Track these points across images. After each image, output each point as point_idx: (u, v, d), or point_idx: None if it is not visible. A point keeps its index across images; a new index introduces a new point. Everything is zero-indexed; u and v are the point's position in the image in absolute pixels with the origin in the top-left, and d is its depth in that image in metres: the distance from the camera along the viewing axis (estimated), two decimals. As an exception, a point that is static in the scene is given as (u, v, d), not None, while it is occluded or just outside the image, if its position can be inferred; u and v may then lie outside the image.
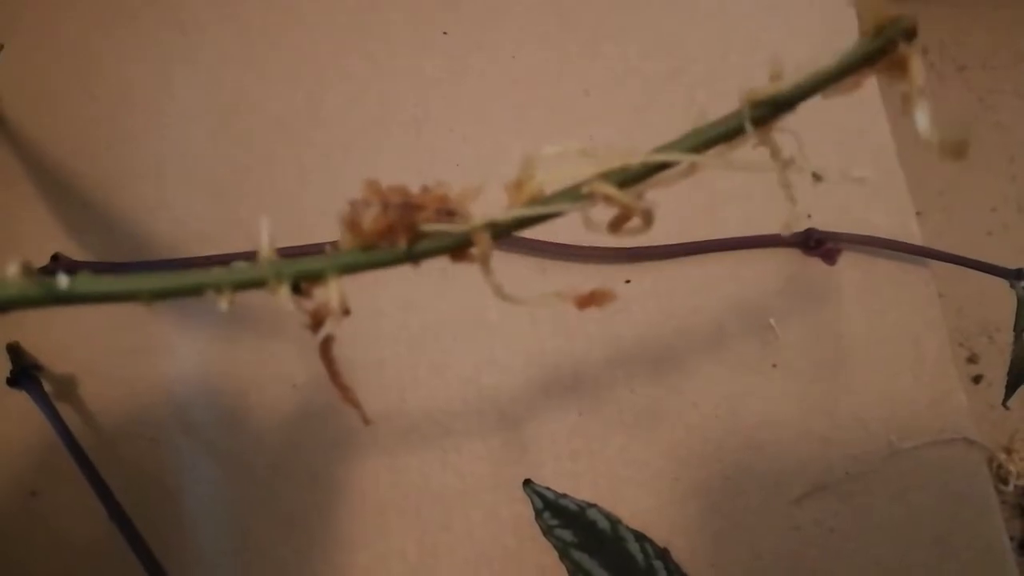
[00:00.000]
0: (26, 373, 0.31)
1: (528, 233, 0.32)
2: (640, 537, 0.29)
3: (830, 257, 0.32)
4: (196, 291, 0.15)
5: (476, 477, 0.30)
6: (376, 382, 0.32)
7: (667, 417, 0.31)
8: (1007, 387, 0.31)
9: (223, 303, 0.15)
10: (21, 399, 0.31)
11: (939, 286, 0.33)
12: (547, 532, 0.29)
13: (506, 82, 0.36)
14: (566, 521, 0.29)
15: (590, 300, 0.16)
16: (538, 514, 0.29)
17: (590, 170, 0.15)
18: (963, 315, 0.53)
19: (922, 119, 0.13)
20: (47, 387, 0.31)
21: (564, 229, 0.32)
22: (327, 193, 0.34)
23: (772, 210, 0.33)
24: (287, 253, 0.32)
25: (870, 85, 0.35)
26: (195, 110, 0.36)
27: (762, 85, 0.14)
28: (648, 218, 0.15)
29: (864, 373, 0.31)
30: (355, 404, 0.17)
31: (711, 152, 0.15)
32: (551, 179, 0.15)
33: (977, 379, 0.53)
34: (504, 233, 0.15)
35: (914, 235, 0.33)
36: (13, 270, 0.14)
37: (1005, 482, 0.53)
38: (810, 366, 0.32)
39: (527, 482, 0.30)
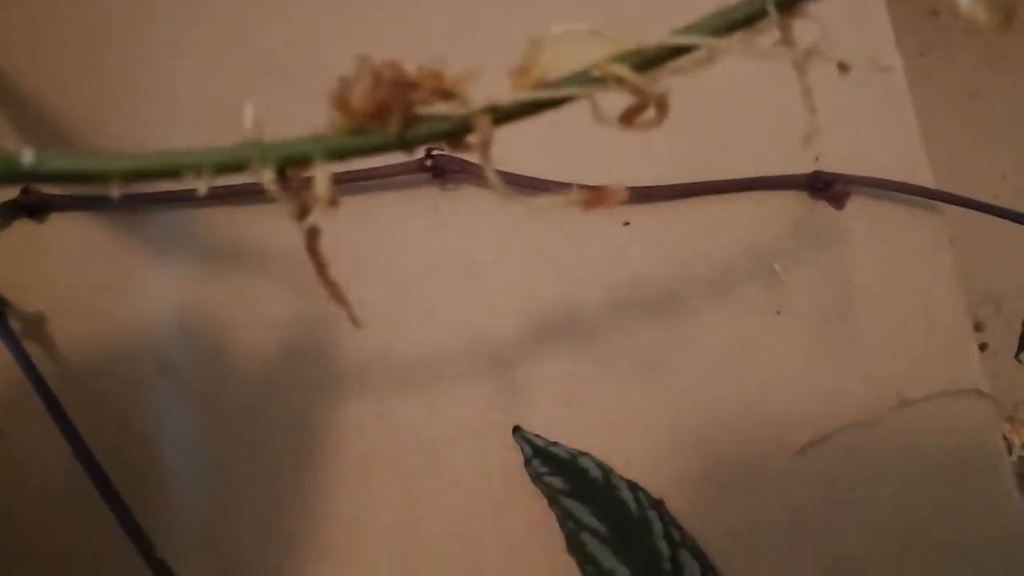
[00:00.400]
0: (-8, 309, 0.30)
1: (523, 170, 0.30)
2: (633, 487, 0.28)
3: (838, 200, 0.31)
4: (173, 173, 0.14)
5: (465, 423, 0.29)
6: (361, 321, 0.30)
7: (665, 364, 0.30)
8: (1021, 338, 0.30)
9: (202, 187, 0.14)
10: None
11: (947, 228, 0.32)
12: (536, 479, 0.28)
13: (504, 23, 0.34)
14: (556, 468, 0.28)
15: (598, 200, 0.15)
16: (527, 461, 0.28)
17: (601, 53, 0.13)
18: (969, 283, 0.52)
19: None
20: (14, 325, 0.30)
21: (560, 168, 0.30)
22: (313, 127, 0.33)
23: (779, 150, 0.31)
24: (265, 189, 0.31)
25: (880, 16, 0.33)
26: (178, 42, 0.34)
27: None
28: (664, 106, 0.14)
29: (872, 322, 0.30)
30: (343, 301, 0.16)
31: (732, 37, 0.14)
32: (559, 63, 0.13)
33: (983, 347, 0.52)
34: (506, 119, 0.14)
35: (926, 179, 0.31)
36: None
37: (1008, 452, 0.52)
38: (816, 314, 0.30)
39: (516, 429, 0.29)
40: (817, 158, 0.31)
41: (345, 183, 0.30)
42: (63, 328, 0.31)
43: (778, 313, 0.30)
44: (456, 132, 0.14)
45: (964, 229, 0.35)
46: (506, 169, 0.30)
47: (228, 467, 0.29)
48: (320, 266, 0.15)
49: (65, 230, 0.32)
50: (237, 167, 0.14)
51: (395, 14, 0.34)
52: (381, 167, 0.30)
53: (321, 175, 0.14)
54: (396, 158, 0.30)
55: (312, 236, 0.15)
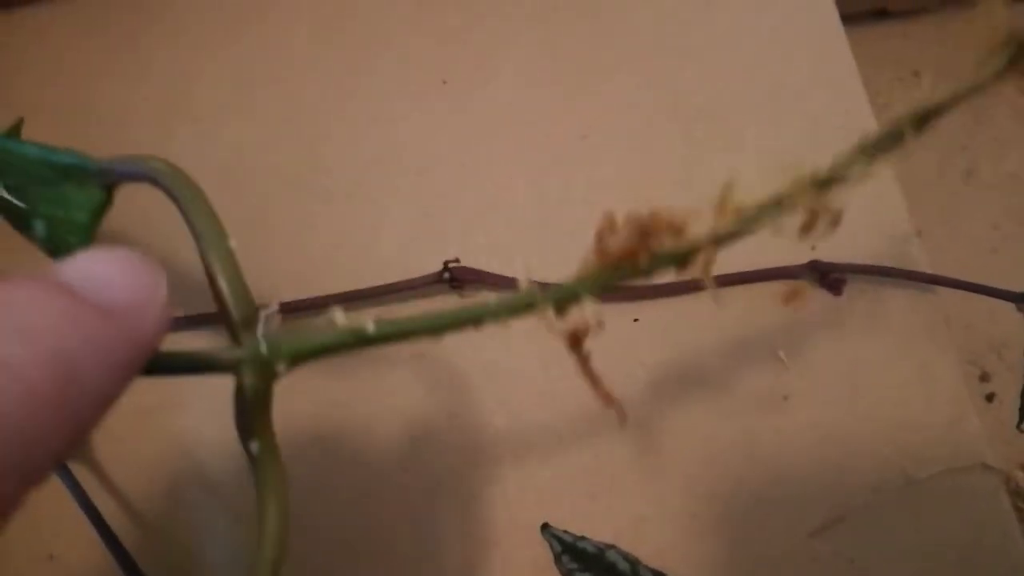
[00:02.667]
0: (42, 437, 0.31)
1: (535, 275, 0.32)
2: (660, 577, 0.29)
3: (836, 288, 0.32)
4: (479, 322, 0.17)
5: (493, 523, 0.30)
6: (389, 430, 0.32)
7: (682, 454, 0.31)
8: (1021, 410, 0.31)
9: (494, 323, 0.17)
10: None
11: (946, 305, 0.33)
12: (567, 576, 0.29)
13: (505, 126, 0.36)
14: (586, 564, 0.29)
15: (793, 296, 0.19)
16: (557, 558, 0.29)
17: (782, 183, 0.17)
18: (972, 333, 0.53)
19: None
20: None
21: (568, 269, 0.32)
22: (331, 243, 0.35)
23: (776, 243, 0.33)
24: (288, 308, 0.33)
25: (865, 114, 0.35)
26: (195, 164, 0.36)
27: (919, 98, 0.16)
28: (837, 220, 0.17)
29: (876, 402, 0.31)
30: (617, 409, 0.19)
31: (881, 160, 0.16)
32: (747, 196, 0.17)
33: (990, 397, 0.53)
34: (724, 241, 0.17)
35: (919, 262, 0.33)
36: (338, 316, 0.16)
37: (1022, 499, 0.53)
38: (822, 397, 0.32)
39: (545, 526, 0.30)
40: (813, 248, 0.33)
41: (369, 297, 0.32)
42: (109, 450, 0.32)
43: (785, 398, 0.32)
44: (686, 259, 0.16)
45: (963, 278, 0.36)
46: (521, 274, 0.32)
47: None
48: (595, 381, 0.18)
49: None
50: (526, 310, 0.17)
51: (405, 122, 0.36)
52: (403, 281, 0.32)
53: (591, 308, 0.17)
54: (414, 272, 0.32)
55: (585, 360, 0.18)
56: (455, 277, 0.32)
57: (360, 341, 0.17)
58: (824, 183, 0.16)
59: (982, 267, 0.57)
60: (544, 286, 0.17)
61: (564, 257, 0.33)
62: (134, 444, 0.32)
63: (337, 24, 0.38)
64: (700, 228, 0.16)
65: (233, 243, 0.18)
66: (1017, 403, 0.33)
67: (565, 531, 0.30)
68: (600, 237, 0.16)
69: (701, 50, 0.37)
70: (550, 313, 0.17)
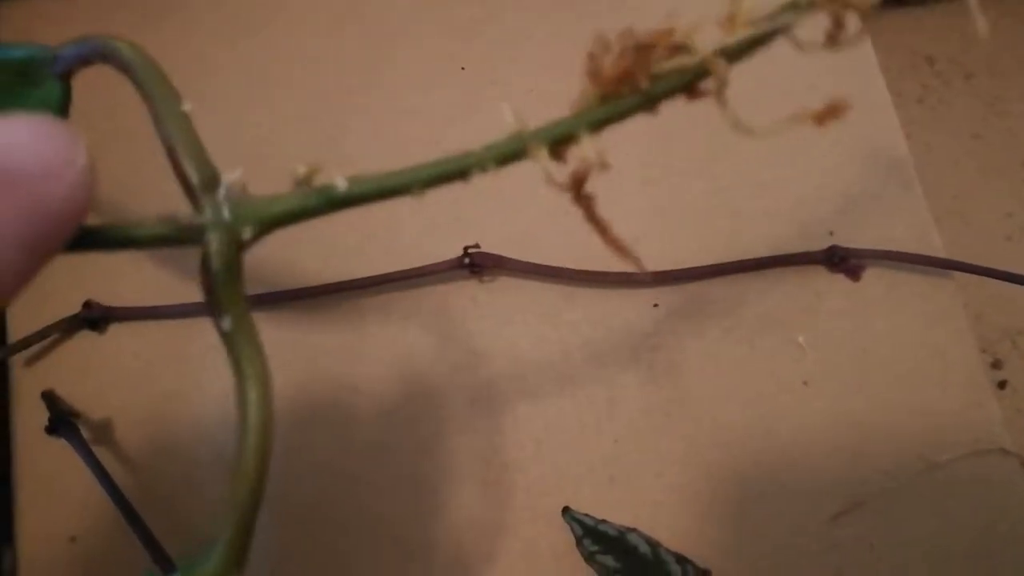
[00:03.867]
0: (64, 420, 0.32)
1: (554, 260, 0.32)
2: (681, 559, 0.29)
3: (854, 273, 0.32)
4: (463, 172, 0.16)
5: (515, 508, 0.31)
6: (411, 415, 0.32)
7: (702, 439, 0.31)
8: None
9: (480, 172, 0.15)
10: (58, 445, 0.32)
11: (960, 293, 0.33)
12: (589, 559, 0.29)
13: (525, 115, 0.36)
14: (607, 547, 0.29)
15: (827, 114, 0.16)
16: (578, 541, 0.30)
17: None
18: (985, 321, 0.53)
19: None
20: (84, 433, 0.32)
21: (591, 257, 0.32)
22: (351, 231, 0.35)
23: (795, 229, 0.33)
24: (314, 292, 0.33)
25: (885, 103, 0.35)
26: (215, 156, 0.36)
27: None
28: (867, 12, 0.15)
29: (894, 387, 0.32)
30: (628, 254, 0.16)
31: None
32: (755, 6, 0.15)
33: (1002, 384, 0.53)
34: (734, 58, 0.15)
35: (936, 247, 0.33)
36: (301, 172, 0.16)
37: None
38: (840, 382, 0.32)
39: (566, 509, 0.30)
40: (832, 233, 0.33)
41: (391, 282, 0.32)
42: (129, 434, 0.33)
43: (805, 384, 0.32)
44: (695, 80, 0.15)
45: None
46: (540, 261, 0.32)
47: (294, 563, 0.31)
48: (601, 227, 0.16)
49: (125, 340, 0.34)
50: (517, 155, 0.16)
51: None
52: (424, 266, 0.32)
53: (588, 145, 0.15)
54: (434, 257, 0.32)
55: (589, 203, 0.16)
56: (475, 263, 0.32)
57: (331, 202, 0.15)
58: None
59: (996, 255, 0.57)
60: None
61: (584, 243, 0.33)
62: (154, 428, 0.33)
63: (355, 14, 0.38)
64: (706, 44, 0.14)
65: (188, 106, 0.17)
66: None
67: (586, 514, 0.30)
68: (592, 58, 0.14)
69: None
70: (545, 156, 0.15)
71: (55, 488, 0.32)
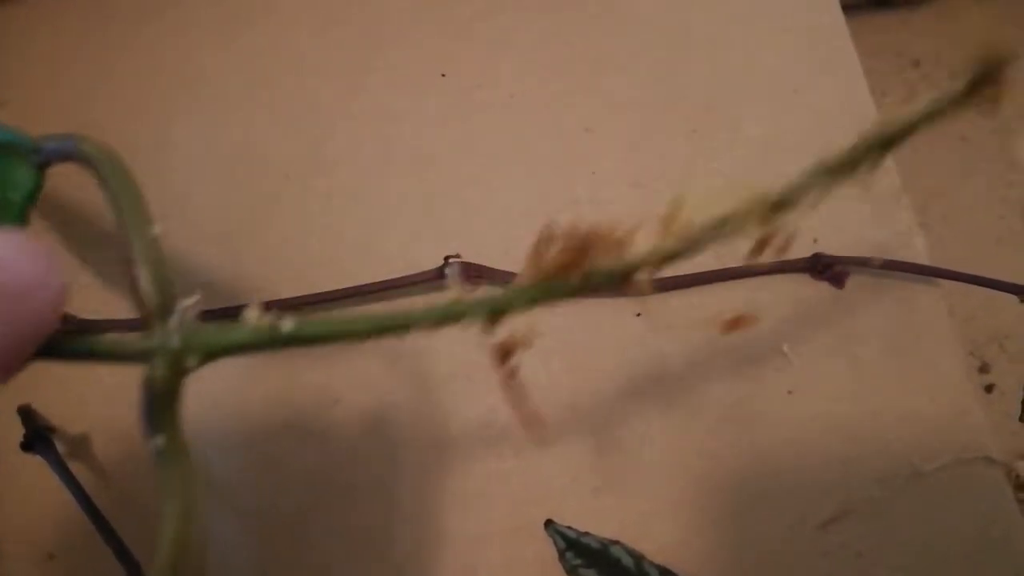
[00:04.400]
0: (40, 436, 0.31)
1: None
2: (665, 572, 0.29)
3: (838, 281, 0.32)
4: (405, 329, 0.16)
5: (496, 520, 0.30)
6: (392, 426, 0.32)
7: (687, 448, 0.31)
8: (1023, 402, 0.31)
9: (420, 330, 0.16)
10: (35, 462, 0.31)
11: (947, 297, 0.33)
12: (571, 572, 0.29)
13: (506, 121, 0.36)
14: (590, 560, 0.29)
15: (735, 324, 0.18)
16: (561, 554, 0.29)
17: (731, 203, 0.16)
18: (972, 324, 0.53)
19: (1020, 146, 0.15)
20: (61, 447, 0.31)
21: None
22: (332, 240, 0.34)
23: (780, 234, 0.33)
24: (293, 304, 0.33)
25: (867, 105, 0.35)
26: (198, 160, 0.36)
27: (886, 119, 0.15)
28: (788, 243, 0.16)
29: (880, 395, 0.31)
30: (536, 429, 0.18)
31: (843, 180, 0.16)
32: (696, 213, 0.16)
33: (989, 388, 0.53)
34: (665, 261, 0.16)
35: (920, 254, 0.33)
36: (252, 314, 0.16)
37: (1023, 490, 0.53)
38: (826, 390, 0.31)
39: (548, 522, 0.30)
40: (816, 240, 0.33)
41: (372, 293, 0.32)
42: (106, 449, 0.32)
43: (790, 393, 0.31)
44: (624, 278, 0.16)
45: (969, 271, 0.36)
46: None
47: (275, 573, 0.30)
48: (520, 400, 0.18)
49: (104, 352, 0.33)
50: (454, 319, 0.16)
51: (417, 116, 0.36)
52: (404, 277, 0.32)
53: (523, 322, 0.16)
54: (414, 268, 0.32)
55: (513, 374, 0.17)
56: (456, 273, 0.32)
57: (275, 341, 0.16)
58: (776, 206, 0.16)
59: (985, 258, 0.57)
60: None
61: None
62: (133, 441, 0.32)
63: (340, 18, 0.38)
64: (644, 245, 0.16)
65: (158, 229, 0.17)
66: (1018, 394, 0.33)
67: (569, 527, 0.30)
68: (536, 249, 0.16)
69: (703, 43, 0.37)
70: (479, 326, 0.16)
71: (31, 504, 0.32)
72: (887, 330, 0.32)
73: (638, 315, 0.32)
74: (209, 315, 0.33)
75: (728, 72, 0.36)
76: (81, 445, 0.32)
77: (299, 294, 0.33)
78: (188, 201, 0.35)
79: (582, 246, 0.15)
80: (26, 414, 0.32)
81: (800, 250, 0.32)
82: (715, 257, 0.32)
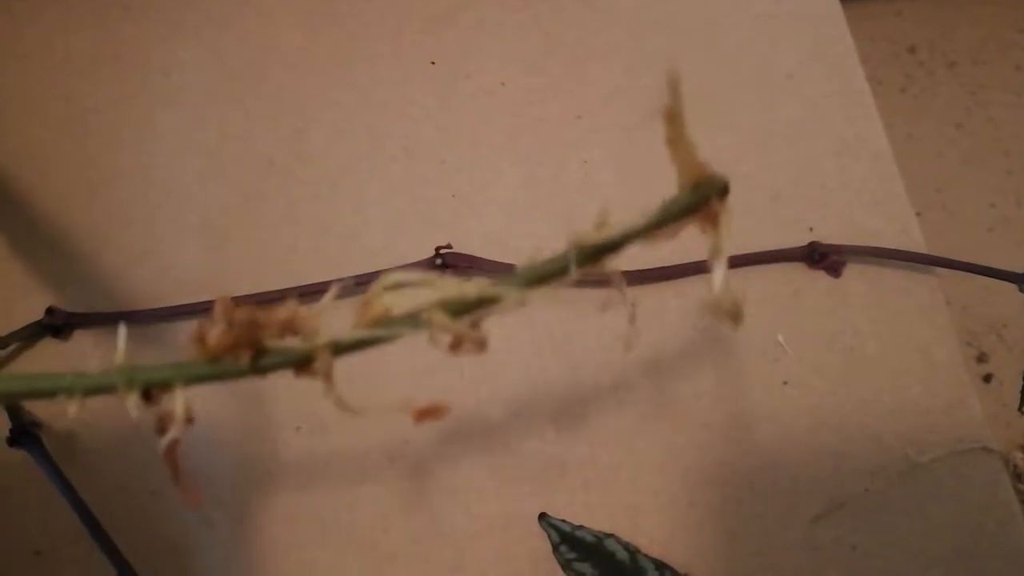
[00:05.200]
0: (25, 431, 0.31)
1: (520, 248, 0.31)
2: (660, 565, 0.29)
3: (835, 270, 0.32)
4: (50, 394, 0.16)
5: (489, 515, 0.30)
6: (381, 421, 0.31)
7: (679, 441, 0.31)
8: (1022, 392, 0.31)
9: (72, 408, 0.16)
10: (21, 456, 0.31)
11: (944, 286, 0.33)
12: (565, 567, 0.28)
13: (496, 110, 0.35)
14: (584, 554, 0.29)
15: (427, 413, 0.17)
16: (555, 548, 0.29)
17: (431, 297, 0.15)
18: (969, 313, 0.53)
19: (718, 276, 0.15)
20: (47, 444, 0.31)
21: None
22: (317, 230, 0.34)
23: (773, 225, 0.32)
24: (274, 297, 0.32)
25: (864, 93, 0.35)
26: (181, 151, 0.36)
27: (588, 231, 0.15)
28: (480, 346, 0.15)
29: (876, 386, 0.31)
30: (195, 505, 0.18)
31: (542, 288, 0.16)
32: (397, 303, 0.15)
33: (987, 378, 0.52)
34: (345, 351, 0.16)
35: (917, 242, 0.32)
36: None
37: (1020, 480, 0.52)
38: (821, 381, 0.31)
39: (542, 515, 0.29)
40: (811, 229, 0.32)
41: (361, 285, 0.32)
42: (94, 445, 0.32)
43: (785, 383, 0.31)
44: (301, 362, 0.16)
45: (962, 259, 0.35)
46: (513, 260, 0.32)
47: (262, 572, 0.30)
48: (176, 475, 0.17)
49: (90, 347, 0.33)
50: (106, 390, 0.16)
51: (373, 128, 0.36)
52: (394, 268, 0.31)
53: (180, 399, 0.15)
54: (405, 259, 0.32)
55: (171, 448, 0.16)
56: (448, 263, 0.31)
57: None
58: (470, 306, 0.15)
59: (980, 246, 0.57)
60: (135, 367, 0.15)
61: (558, 240, 0.33)
62: (118, 438, 0.32)
63: (323, 10, 0.37)
64: (332, 327, 0.15)
65: None
66: (1016, 383, 0.32)
67: (563, 520, 0.29)
68: (201, 327, 0.15)
69: (695, 31, 0.36)
70: (133, 399, 0.15)
71: (17, 500, 0.31)
72: (884, 320, 0.32)
73: (632, 305, 0.32)
74: (192, 308, 0.32)
75: (722, 60, 0.36)
76: (68, 441, 0.32)
77: (285, 286, 0.32)
78: (173, 193, 0.35)
79: (251, 328, 0.15)
80: (11, 409, 0.31)
81: (796, 238, 0.32)
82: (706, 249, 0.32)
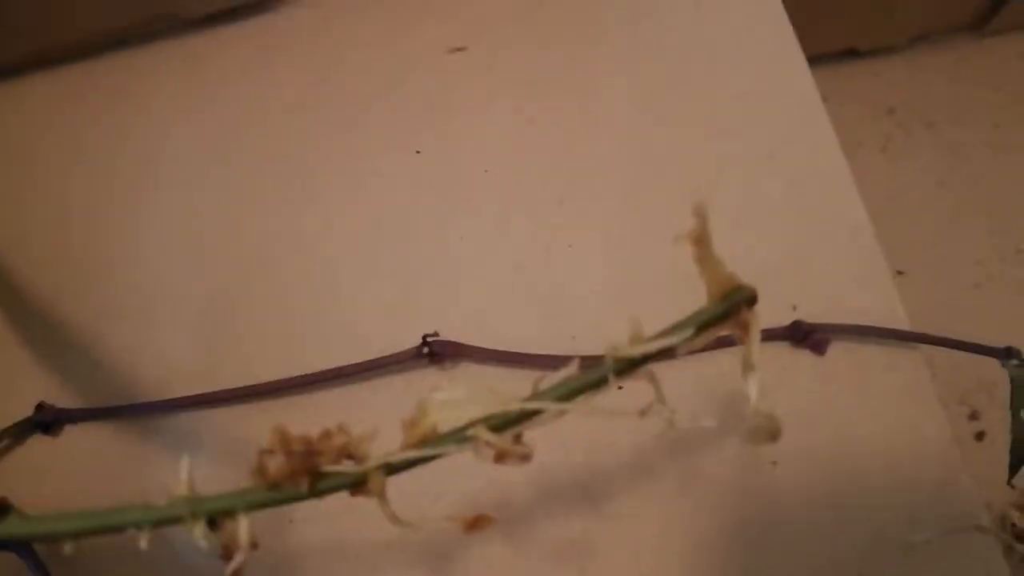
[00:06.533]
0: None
1: (516, 343, 0.32)
2: (655, 656, 0.28)
3: (819, 348, 0.32)
4: (119, 529, 0.16)
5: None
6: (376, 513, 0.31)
7: (673, 524, 0.31)
8: (1010, 467, 0.31)
9: (143, 542, 0.16)
10: (9, 557, 0.30)
11: (932, 350, 0.33)
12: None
13: (481, 196, 0.36)
14: (578, 647, 0.28)
15: (476, 524, 0.18)
16: (549, 641, 0.29)
17: (475, 413, 0.16)
18: (960, 372, 0.53)
19: (752, 388, 0.16)
20: (37, 544, 0.31)
21: (553, 340, 0.32)
22: (312, 316, 0.34)
23: (758, 303, 0.33)
24: (271, 388, 0.32)
25: (841, 168, 0.35)
26: (169, 238, 0.36)
27: (623, 344, 0.16)
28: (525, 459, 0.17)
29: (865, 464, 0.31)
30: None
31: (578, 400, 0.17)
32: (443, 420, 0.16)
33: (980, 436, 0.52)
34: (397, 470, 0.17)
35: (900, 317, 0.33)
36: None
37: (1020, 540, 0.52)
38: (810, 461, 0.31)
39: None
40: (795, 308, 0.33)
41: (350, 375, 0.32)
42: (85, 542, 0.31)
43: (774, 463, 0.31)
44: (357, 484, 0.16)
45: (948, 315, 0.36)
46: (501, 344, 0.32)
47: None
48: None
49: (81, 442, 0.33)
50: (172, 521, 0.16)
51: (375, 205, 0.36)
52: (381, 358, 0.32)
53: (244, 526, 0.16)
54: (394, 344, 0.32)
55: (236, 574, 0.17)
56: (434, 351, 0.32)
57: None
58: (513, 420, 0.16)
59: (966, 304, 0.57)
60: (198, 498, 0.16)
61: (546, 325, 0.33)
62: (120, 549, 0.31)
63: (311, 94, 0.38)
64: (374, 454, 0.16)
65: None
66: (1008, 442, 0.33)
67: (556, 611, 0.29)
68: (260, 458, 0.16)
69: (675, 114, 0.37)
70: (200, 528, 0.16)
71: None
72: (870, 397, 0.32)
73: (620, 388, 0.32)
74: (185, 401, 0.32)
75: (701, 142, 0.36)
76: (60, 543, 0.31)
77: (279, 377, 0.32)
78: (160, 282, 0.35)
79: (308, 456, 0.15)
80: (1, 507, 0.31)
81: (780, 317, 0.32)
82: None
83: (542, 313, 0.33)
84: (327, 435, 0.16)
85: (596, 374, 0.16)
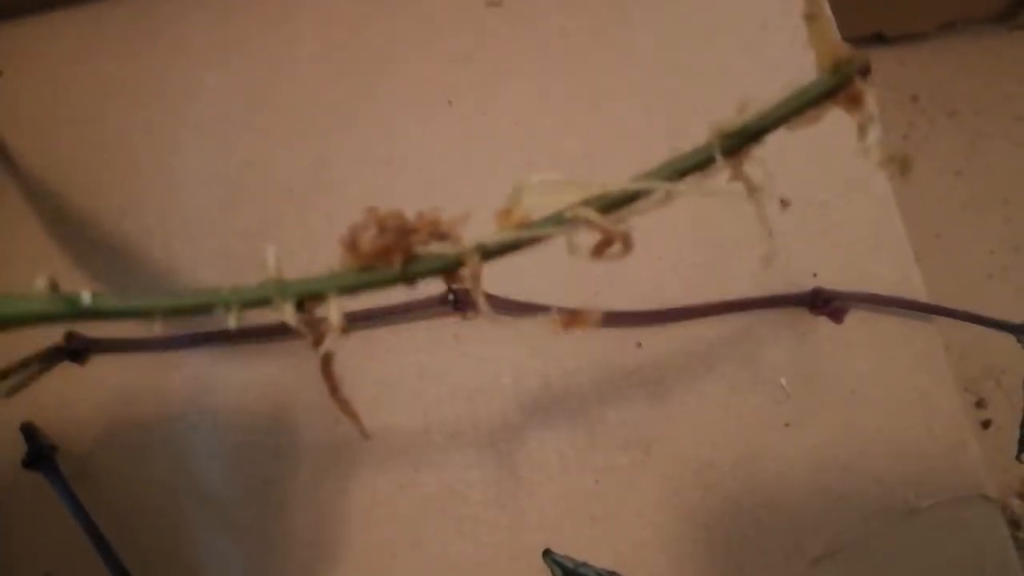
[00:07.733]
0: (41, 454, 0.31)
1: (538, 295, 0.32)
2: (661, 603, 0.29)
3: (837, 316, 0.33)
4: (207, 309, 0.16)
5: (494, 547, 0.30)
6: (391, 450, 0.32)
7: (683, 479, 0.31)
8: (1020, 441, 0.31)
9: (232, 320, 0.15)
10: (35, 476, 0.31)
11: (943, 332, 0.33)
12: (568, 602, 0.29)
13: (511, 148, 0.36)
14: (587, 590, 0.29)
15: (573, 320, 0.17)
16: (558, 584, 0.29)
17: (572, 197, 0.15)
18: (967, 359, 0.53)
19: (873, 140, 0.14)
20: (63, 466, 0.31)
21: (575, 294, 0.32)
22: (334, 258, 0.35)
23: (778, 268, 0.33)
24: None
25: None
26: (204, 176, 0.37)
27: (729, 118, 0.15)
28: (628, 242, 0.15)
29: (876, 430, 0.32)
30: (354, 417, 0.17)
31: (686, 180, 0.16)
32: (537, 206, 0.15)
33: (986, 424, 0.53)
34: (492, 255, 0.16)
35: (918, 289, 0.33)
36: (41, 283, 0.15)
37: (1019, 527, 0.53)
38: (822, 424, 0.32)
39: (547, 552, 0.30)
40: (815, 275, 0.33)
41: (374, 318, 0.32)
42: (108, 467, 0.32)
43: (787, 425, 0.32)
44: (450, 268, 0.15)
45: (960, 305, 0.36)
46: (524, 295, 0.32)
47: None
48: (333, 387, 0.17)
49: (106, 372, 0.34)
50: (261, 303, 0.15)
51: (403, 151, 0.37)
52: (406, 303, 0.32)
53: (334, 308, 0.15)
54: (419, 295, 0.32)
55: (327, 361, 0.16)
56: (459, 299, 0.32)
57: (73, 313, 0.15)
58: (615, 203, 0.15)
59: (978, 292, 0.58)
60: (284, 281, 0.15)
61: (572, 278, 0.33)
62: (132, 460, 0.32)
63: (344, 43, 0.39)
64: (468, 237, 0.15)
65: None
66: (1014, 430, 0.33)
67: (567, 556, 0.30)
68: (353, 232, 0.15)
69: (703, 74, 0.37)
70: (288, 310, 0.15)
71: (29, 521, 0.32)
72: (884, 366, 0.32)
73: (639, 345, 0.33)
74: (210, 336, 0.33)
75: (725, 108, 0.37)
76: (83, 463, 0.32)
77: (303, 317, 0.33)
78: (191, 219, 0.36)
79: (403, 232, 0.15)
80: (28, 432, 0.32)
81: (800, 284, 0.33)
82: (716, 290, 0.33)
83: (567, 266, 0.34)
84: (421, 214, 0.15)
85: (704, 152, 0.15)
